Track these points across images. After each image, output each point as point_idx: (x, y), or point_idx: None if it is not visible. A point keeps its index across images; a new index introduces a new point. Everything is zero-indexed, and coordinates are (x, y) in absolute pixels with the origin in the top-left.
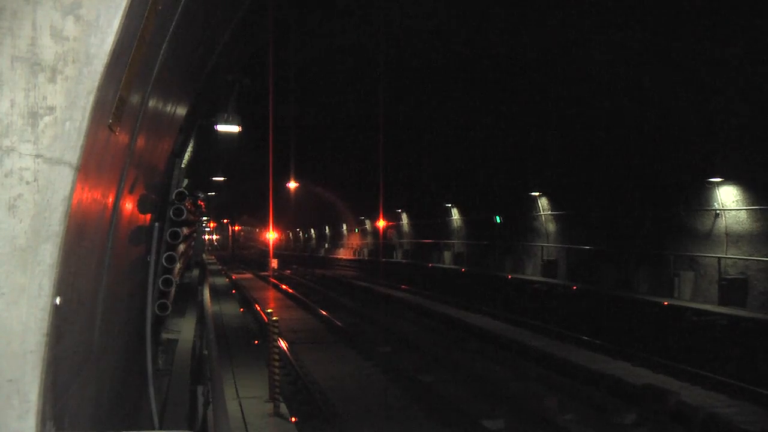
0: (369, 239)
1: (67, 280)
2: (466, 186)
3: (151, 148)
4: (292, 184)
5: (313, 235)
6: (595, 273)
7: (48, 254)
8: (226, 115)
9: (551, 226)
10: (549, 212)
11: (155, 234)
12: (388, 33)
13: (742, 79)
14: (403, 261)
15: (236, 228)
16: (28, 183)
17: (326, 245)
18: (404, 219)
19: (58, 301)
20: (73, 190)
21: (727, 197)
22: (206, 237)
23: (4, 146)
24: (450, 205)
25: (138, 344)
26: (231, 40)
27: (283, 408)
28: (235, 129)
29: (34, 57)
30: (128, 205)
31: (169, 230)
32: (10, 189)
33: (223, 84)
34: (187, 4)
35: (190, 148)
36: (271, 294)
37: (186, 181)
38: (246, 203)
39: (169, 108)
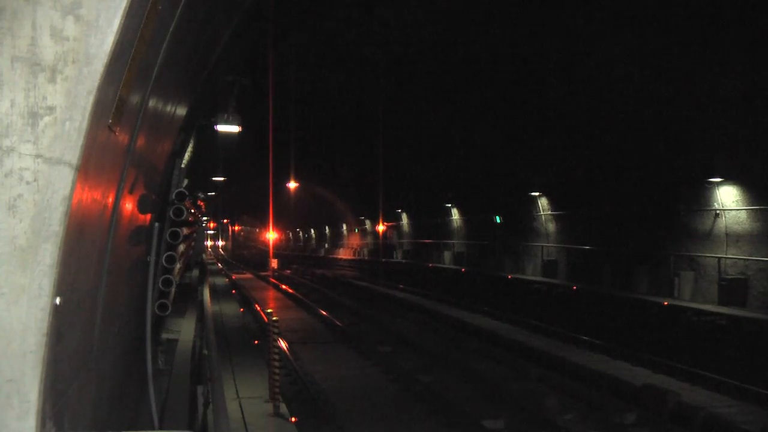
0: (369, 239)
1: (67, 280)
2: (466, 186)
3: (151, 148)
4: (292, 184)
5: (313, 235)
6: (595, 273)
7: (48, 254)
8: (226, 115)
9: (551, 226)
10: (549, 212)
11: (155, 234)
12: (389, 32)
13: (743, 79)
14: (403, 261)
15: (236, 228)
16: (28, 183)
17: (326, 245)
18: (404, 219)
19: (58, 301)
20: (73, 190)
21: (727, 197)
22: (209, 242)
23: (4, 146)
24: (450, 205)
25: (138, 344)
26: (231, 40)
27: (283, 408)
28: (235, 129)
29: (34, 57)
30: (128, 205)
31: (169, 230)
32: (10, 189)
33: (223, 84)
34: (187, 4)
35: (190, 148)
36: (271, 294)
37: (186, 181)
38: (246, 203)
39: (169, 108)
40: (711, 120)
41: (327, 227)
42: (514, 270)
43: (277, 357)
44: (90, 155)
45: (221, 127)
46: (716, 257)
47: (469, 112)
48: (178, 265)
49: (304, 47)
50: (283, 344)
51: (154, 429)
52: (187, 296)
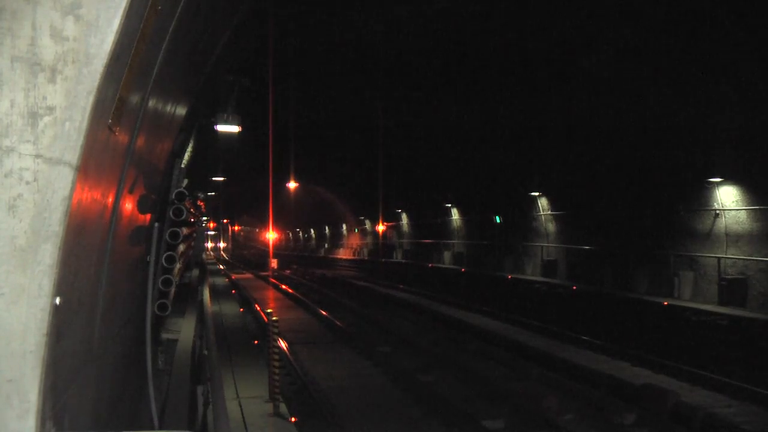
0: (369, 239)
1: (67, 280)
2: (466, 186)
3: (151, 148)
4: (292, 184)
5: (313, 235)
6: (595, 273)
7: (48, 254)
8: (226, 115)
9: (551, 226)
10: (549, 212)
11: (155, 234)
12: (388, 32)
13: (742, 80)
14: (403, 261)
15: (236, 228)
16: (28, 183)
17: (326, 245)
18: (404, 219)
19: (58, 301)
20: (72, 190)
21: (727, 197)
22: (209, 244)
23: (4, 146)
24: (450, 205)
25: (138, 344)
26: (231, 40)
27: (283, 408)
28: (235, 129)
29: (34, 57)
30: (128, 205)
31: (169, 230)
32: (10, 189)
33: (223, 84)
34: (187, 4)
35: (190, 148)
36: (271, 294)
37: (186, 181)
38: (246, 203)
39: (169, 108)
40: (711, 119)
41: (327, 227)
42: (514, 270)
43: (276, 357)
44: (90, 155)
45: (221, 127)
46: (716, 257)
47: (470, 112)
48: (178, 265)
49: (305, 47)
50: (282, 344)
51: (154, 429)
52: (187, 296)
